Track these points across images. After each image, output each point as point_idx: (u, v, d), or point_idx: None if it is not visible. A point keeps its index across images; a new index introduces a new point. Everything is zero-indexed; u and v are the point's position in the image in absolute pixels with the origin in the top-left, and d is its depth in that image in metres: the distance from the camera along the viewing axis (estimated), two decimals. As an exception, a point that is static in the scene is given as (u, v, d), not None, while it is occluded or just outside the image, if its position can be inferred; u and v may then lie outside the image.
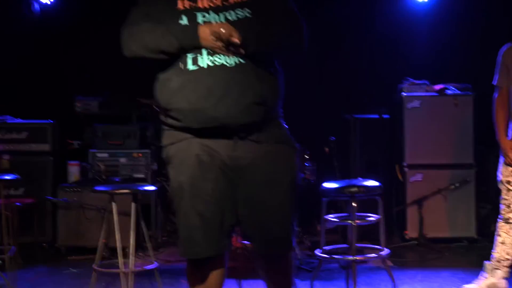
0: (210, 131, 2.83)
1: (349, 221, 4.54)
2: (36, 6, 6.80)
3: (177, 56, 2.82)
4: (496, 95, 4.50)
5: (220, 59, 2.78)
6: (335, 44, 6.99)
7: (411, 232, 6.18)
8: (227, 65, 2.79)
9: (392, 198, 6.39)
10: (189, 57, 2.80)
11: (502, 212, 4.43)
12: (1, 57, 6.87)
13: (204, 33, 2.75)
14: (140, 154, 6.13)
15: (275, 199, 2.89)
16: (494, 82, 4.51)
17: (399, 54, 6.92)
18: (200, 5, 2.85)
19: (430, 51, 6.86)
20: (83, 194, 5.86)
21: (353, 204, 4.47)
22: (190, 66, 2.80)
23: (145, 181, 6.12)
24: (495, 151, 4.67)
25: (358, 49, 7.04)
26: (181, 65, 2.81)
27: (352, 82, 7.06)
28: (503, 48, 4.49)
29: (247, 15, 2.84)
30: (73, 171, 6.29)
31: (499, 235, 4.43)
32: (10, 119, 6.26)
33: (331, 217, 4.84)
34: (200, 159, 2.86)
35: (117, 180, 6.04)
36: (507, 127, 4.45)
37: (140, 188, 4.81)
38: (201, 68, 2.79)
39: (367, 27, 6.87)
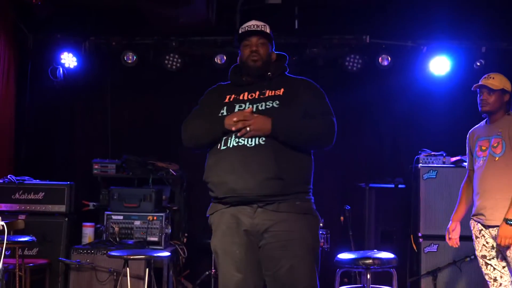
0: (234, 200, 3.31)
1: (363, 293, 4.51)
2: (61, 72, 6.94)
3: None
4: (465, 177, 4.66)
5: (243, 141, 3.32)
6: (355, 116, 7.08)
7: (425, 304, 6.09)
8: (248, 145, 3.31)
9: (407, 269, 6.33)
10: (223, 139, 3.37)
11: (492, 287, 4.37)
12: (24, 120, 7.00)
13: (228, 120, 3.34)
14: (155, 218, 6.14)
15: (288, 262, 3.26)
16: (466, 166, 4.67)
17: (417, 126, 7.00)
18: (241, 97, 3.49)
19: (447, 123, 6.91)
20: (96, 256, 5.86)
21: (368, 276, 4.45)
22: (222, 146, 3.36)
23: (158, 244, 6.11)
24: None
25: (377, 121, 7.13)
26: (217, 146, 3.38)
27: (369, 152, 7.12)
28: (468, 133, 4.66)
29: (274, 105, 3.40)
30: (88, 232, 6.32)
31: None
32: (28, 180, 6.31)
33: (345, 288, 4.81)
34: (228, 226, 3.34)
35: (130, 243, 6.04)
36: (466, 208, 4.60)
37: (154, 254, 4.80)
38: (228, 147, 3.34)
39: (386, 100, 6.96)
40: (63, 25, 6.92)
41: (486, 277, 4.40)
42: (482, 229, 4.37)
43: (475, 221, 4.43)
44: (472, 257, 6.04)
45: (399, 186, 6.39)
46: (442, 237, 6.12)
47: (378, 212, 6.34)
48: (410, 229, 6.31)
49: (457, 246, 4.61)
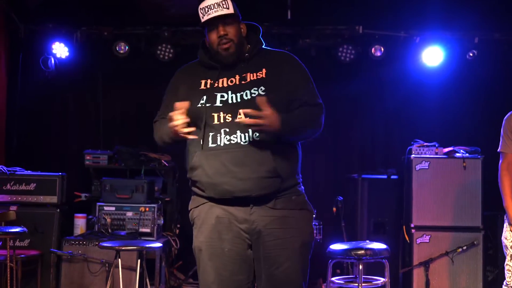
0: (229, 200, 3.09)
1: (355, 285, 4.51)
2: (52, 62, 6.90)
3: (202, 131, 3.09)
4: (501, 161, 4.50)
5: (235, 138, 3.05)
6: (348, 107, 7.08)
7: (417, 294, 6.10)
8: (241, 143, 3.05)
9: (399, 259, 6.34)
10: (210, 136, 3.08)
11: (508, 280, 4.35)
12: (15, 110, 6.97)
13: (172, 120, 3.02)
14: (147, 209, 6.12)
15: (287, 261, 3.09)
16: (499, 149, 4.51)
17: (410, 117, 7.01)
18: (220, 84, 3.15)
19: (440, 114, 6.92)
20: (88, 248, 5.85)
21: (360, 267, 4.45)
22: (210, 144, 3.07)
23: (150, 235, 6.09)
24: (503, 215, 4.63)
25: (370, 111, 7.13)
26: (203, 142, 3.09)
27: (362, 143, 7.13)
28: (507, 115, 4.52)
29: (261, 93, 3.08)
30: (79, 223, 6.29)
31: None
32: (20, 171, 6.29)
33: (337, 279, 4.81)
34: (218, 221, 3.12)
35: (122, 234, 6.03)
36: None
37: (146, 245, 4.79)
38: (218, 146, 3.06)
39: (379, 91, 6.95)
40: (55, 15, 6.87)
41: (506, 267, 4.36)
42: None
43: None
44: (465, 247, 6.06)
45: (392, 177, 6.40)
46: (435, 228, 6.17)
47: (371, 203, 6.34)
48: (403, 220, 6.31)
49: None
